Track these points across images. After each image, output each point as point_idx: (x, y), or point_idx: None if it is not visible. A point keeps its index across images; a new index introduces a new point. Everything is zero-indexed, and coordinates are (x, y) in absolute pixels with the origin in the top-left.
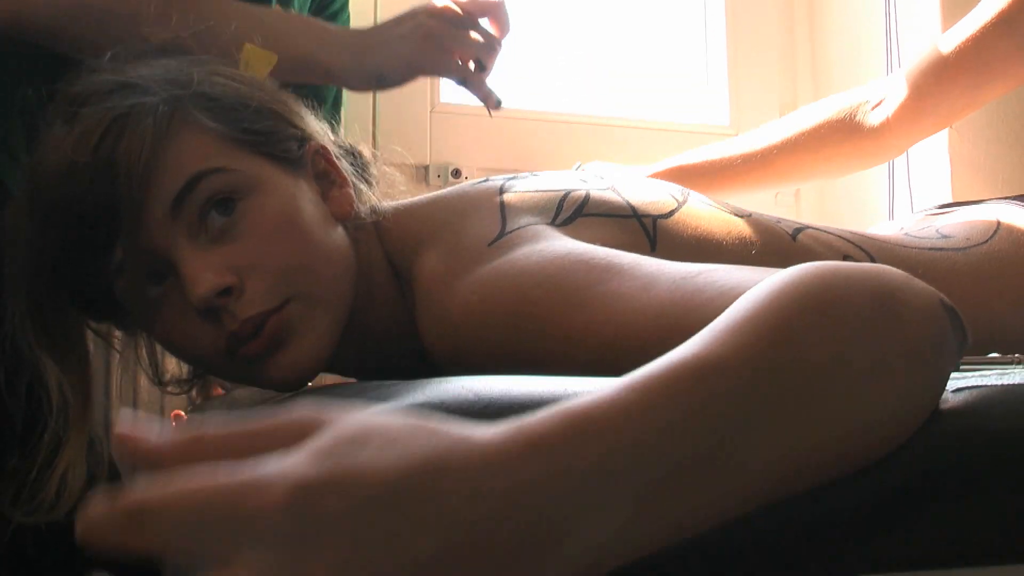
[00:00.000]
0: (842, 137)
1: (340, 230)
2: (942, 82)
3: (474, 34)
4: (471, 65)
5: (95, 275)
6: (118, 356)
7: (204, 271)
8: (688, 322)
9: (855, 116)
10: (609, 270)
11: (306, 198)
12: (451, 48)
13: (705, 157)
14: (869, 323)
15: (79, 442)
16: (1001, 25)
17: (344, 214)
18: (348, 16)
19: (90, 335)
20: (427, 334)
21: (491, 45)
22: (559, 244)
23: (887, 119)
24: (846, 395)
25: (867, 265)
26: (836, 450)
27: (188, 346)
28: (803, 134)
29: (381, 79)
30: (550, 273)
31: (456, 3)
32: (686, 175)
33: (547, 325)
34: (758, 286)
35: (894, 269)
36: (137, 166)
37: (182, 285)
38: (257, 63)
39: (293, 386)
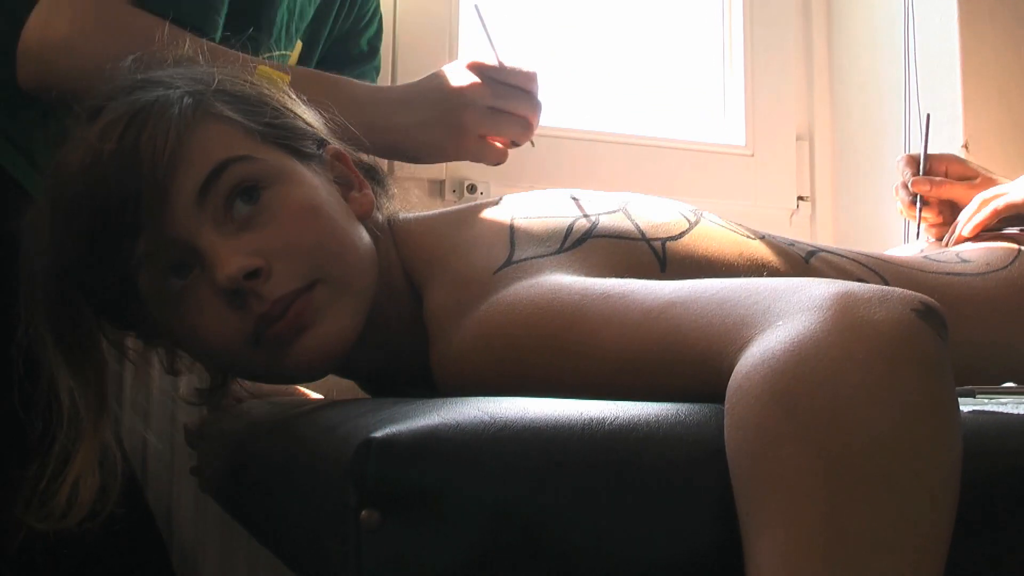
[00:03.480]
0: None
1: (362, 228)
2: None
3: (510, 113)
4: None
5: (118, 268)
6: (131, 368)
7: (232, 255)
8: (656, 364)
9: None
10: (582, 312)
11: (329, 190)
12: (488, 134)
13: None
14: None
15: (91, 451)
16: None
17: (365, 213)
18: (379, 27)
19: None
20: (434, 365)
21: (527, 123)
22: (551, 282)
23: None
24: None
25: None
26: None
27: (213, 336)
28: None
29: (415, 160)
30: (534, 319)
31: (490, 75)
32: None
33: (531, 370)
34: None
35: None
36: (162, 154)
37: (208, 271)
38: (269, 85)
39: (316, 372)
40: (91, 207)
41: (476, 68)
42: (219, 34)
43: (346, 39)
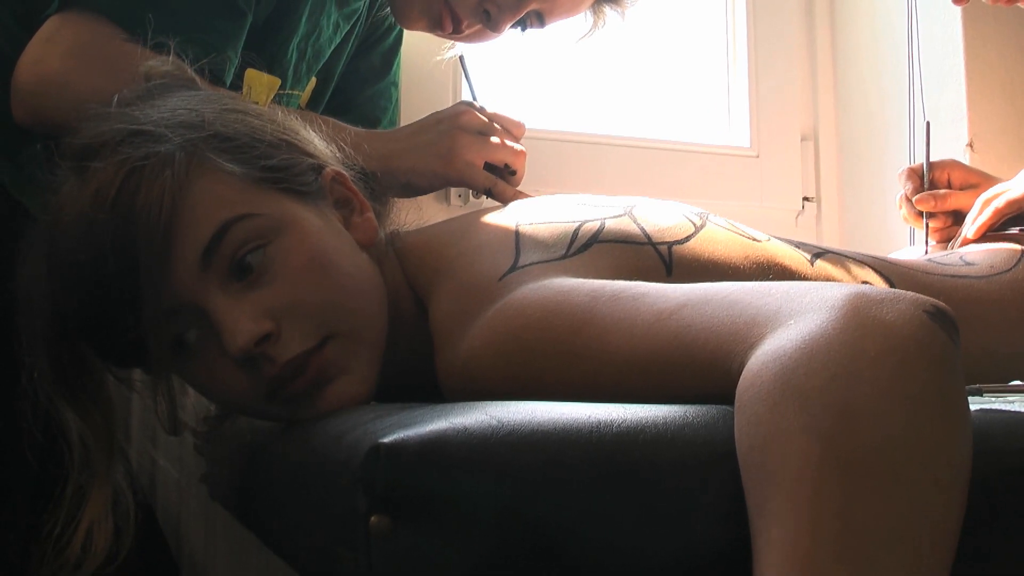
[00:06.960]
0: None
1: (366, 256)
2: None
3: (500, 139)
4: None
5: (123, 333)
6: (136, 400)
7: (241, 321)
8: (666, 366)
9: None
10: (593, 313)
11: (332, 229)
12: (477, 159)
13: None
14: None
15: (103, 495)
16: None
17: (368, 240)
18: (397, 41)
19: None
20: (440, 374)
21: (517, 150)
22: (559, 285)
23: None
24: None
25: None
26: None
27: (225, 394)
28: None
29: (407, 187)
30: (544, 321)
31: (480, 108)
32: None
33: (540, 373)
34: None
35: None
36: (158, 221)
37: (219, 336)
38: (259, 88)
39: None
40: (90, 280)
41: (468, 103)
42: (230, 77)
43: (356, 57)
